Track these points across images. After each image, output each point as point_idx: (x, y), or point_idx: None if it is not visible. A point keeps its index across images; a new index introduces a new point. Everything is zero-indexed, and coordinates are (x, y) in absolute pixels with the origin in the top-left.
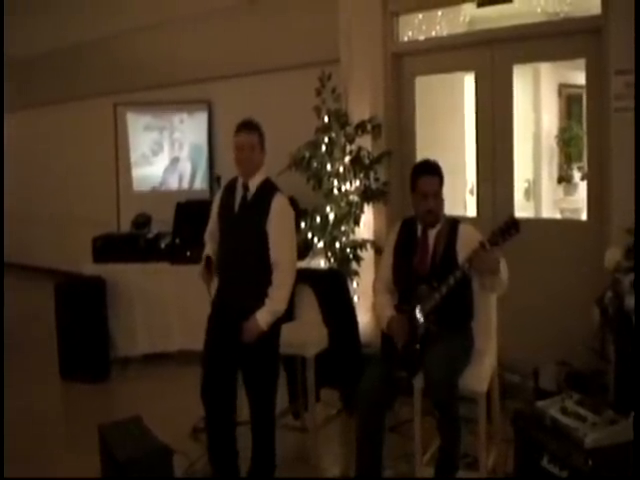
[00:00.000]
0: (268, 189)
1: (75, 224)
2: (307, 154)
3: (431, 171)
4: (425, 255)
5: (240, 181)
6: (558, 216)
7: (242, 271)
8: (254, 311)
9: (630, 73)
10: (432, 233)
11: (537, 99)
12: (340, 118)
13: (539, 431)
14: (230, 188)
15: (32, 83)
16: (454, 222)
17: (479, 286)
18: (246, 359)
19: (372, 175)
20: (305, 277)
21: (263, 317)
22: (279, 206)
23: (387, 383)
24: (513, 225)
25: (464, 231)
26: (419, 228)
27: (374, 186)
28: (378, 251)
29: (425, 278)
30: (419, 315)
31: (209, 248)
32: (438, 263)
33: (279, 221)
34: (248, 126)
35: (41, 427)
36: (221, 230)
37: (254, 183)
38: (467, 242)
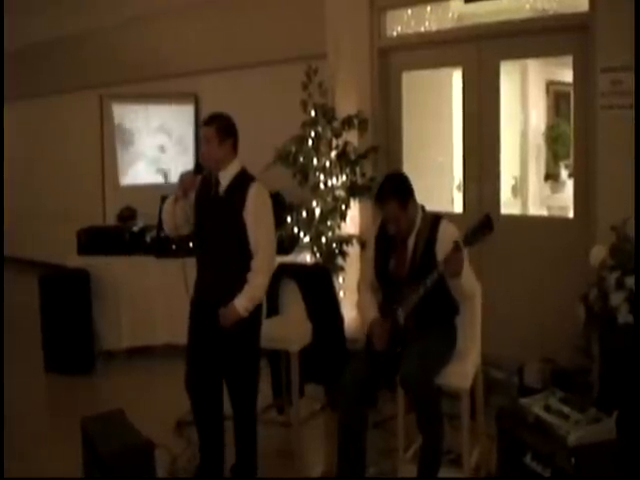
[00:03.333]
0: (243, 179)
1: (60, 217)
2: (293, 148)
3: (383, 198)
4: (404, 258)
5: (213, 175)
6: (545, 213)
7: (222, 264)
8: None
9: (616, 70)
10: (411, 237)
11: (525, 96)
12: (327, 113)
13: (522, 428)
14: (206, 181)
15: (17, 76)
16: (435, 220)
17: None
18: (226, 353)
19: (358, 170)
20: (290, 272)
21: (241, 303)
22: (255, 194)
23: (369, 380)
24: (487, 224)
25: (444, 232)
26: None
27: (360, 181)
28: (364, 246)
29: (404, 281)
30: (400, 318)
31: None
32: (417, 265)
33: (256, 210)
34: (207, 120)
35: (24, 419)
36: (197, 224)
37: (226, 176)
38: (446, 243)
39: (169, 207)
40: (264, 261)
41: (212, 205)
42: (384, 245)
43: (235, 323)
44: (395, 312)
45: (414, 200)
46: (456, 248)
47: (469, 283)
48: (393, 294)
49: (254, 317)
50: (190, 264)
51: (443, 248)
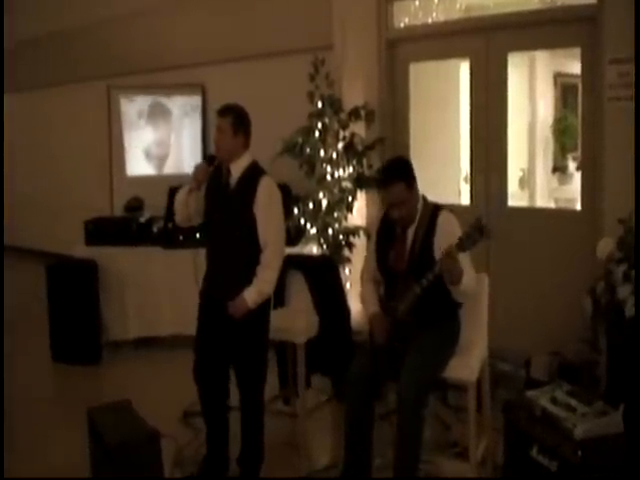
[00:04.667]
0: (254, 172)
1: (68, 207)
2: (300, 140)
3: (389, 181)
4: (403, 251)
5: (225, 166)
6: (552, 206)
7: (231, 256)
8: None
9: (624, 62)
10: (411, 228)
11: (532, 88)
12: (333, 104)
13: (529, 421)
14: (217, 172)
15: (25, 66)
16: (435, 210)
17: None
18: (235, 346)
19: (365, 162)
20: (297, 263)
21: (250, 295)
22: (265, 188)
23: (376, 372)
24: (477, 230)
25: (443, 223)
26: None
27: (367, 173)
28: (370, 238)
29: (403, 274)
30: (399, 313)
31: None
32: (416, 259)
33: (266, 203)
34: (221, 111)
35: (31, 409)
36: (207, 215)
37: (237, 168)
38: (445, 236)
39: (182, 197)
40: (273, 256)
41: (223, 196)
42: (385, 237)
43: (244, 314)
44: (394, 308)
45: (417, 186)
46: (447, 254)
47: (469, 288)
48: (393, 287)
49: (263, 309)
50: (199, 255)
51: (442, 240)
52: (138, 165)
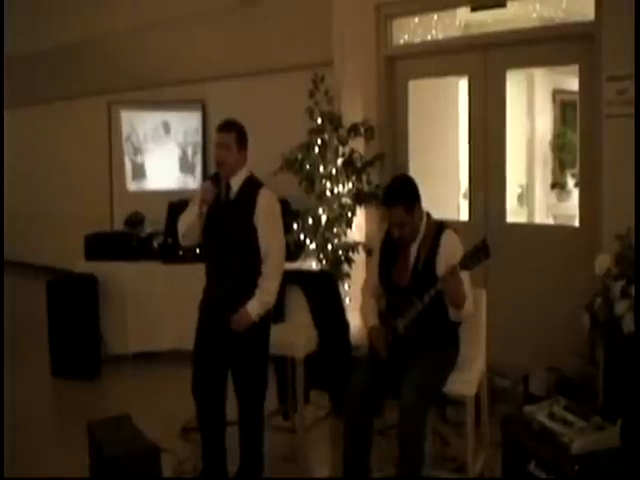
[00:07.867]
0: (252, 185)
1: (68, 222)
2: (300, 155)
3: (391, 202)
4: (406, 266)
5: (223, 180)
6: (551, 222)
7: (232, 268)
8: (244, 305)
9: (622, 79)
10: (414, 245)
11: (531, 105)
12: (333, 120)
13: (527, 436)
14: (214, 184)
15: (26, 81)
16: (439, 228)
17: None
18: (236, 358)
19: (364, 178)
20: (296, 278)
21: (253, 307)
22: (265, 200)
23: (374, 386)
24: (483, 250)
25: (446, 241)
26: None
27: (366, 189)
28: (370, 253)
29: (405, 290)
30: (399, 328)
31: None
32: (418, 275)
33: (266, 215)
34: (224, 126)
35: (31, 424)
36: (206, 229)
37: (236, 182)
38: (448, 254)
39: (191, 220)
40: (275, 265)
41: (222, 210)
42: (388, 251)
43: (246, 328)
44: (395, 323)
45: (420, 205)
46: (451, 271)
47: (469, 311)
48: (395, 302)
49: (263, 323)
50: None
51: (444, 259)
52: (138, 180)
